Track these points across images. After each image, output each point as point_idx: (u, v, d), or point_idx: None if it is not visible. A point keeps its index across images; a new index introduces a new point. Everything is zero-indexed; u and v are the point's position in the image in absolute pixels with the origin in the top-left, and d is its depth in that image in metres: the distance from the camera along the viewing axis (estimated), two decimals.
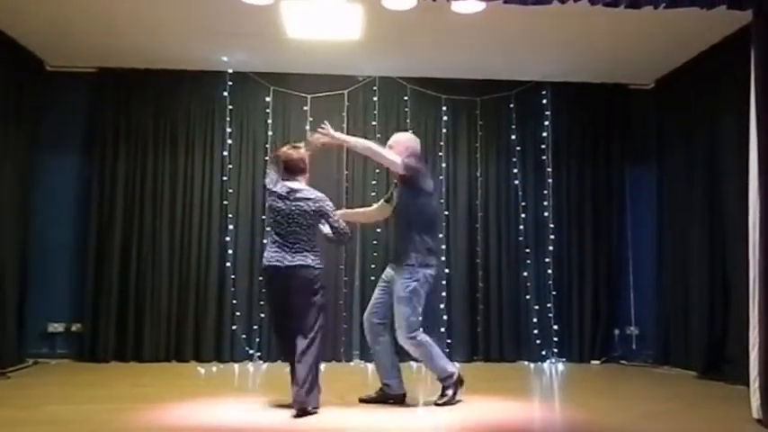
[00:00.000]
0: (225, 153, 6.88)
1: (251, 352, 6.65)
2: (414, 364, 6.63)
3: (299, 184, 4.34)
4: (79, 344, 6.60)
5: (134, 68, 6.81)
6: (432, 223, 4.54)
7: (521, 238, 7.06)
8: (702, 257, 6.14)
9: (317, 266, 4.27)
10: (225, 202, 6.84)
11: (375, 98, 7.04)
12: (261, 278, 4.36)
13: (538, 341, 6.89)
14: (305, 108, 6.91)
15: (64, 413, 4.24)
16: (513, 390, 5.37)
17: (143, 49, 6.38)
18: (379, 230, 6.73)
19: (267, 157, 4.57)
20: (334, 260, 6.81)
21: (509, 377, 6.16)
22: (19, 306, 6.20)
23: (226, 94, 6.90)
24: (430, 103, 7.12)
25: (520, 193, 7.11)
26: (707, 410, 4.59)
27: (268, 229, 4.47)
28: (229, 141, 6.89)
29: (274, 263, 4.22)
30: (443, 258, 6.91)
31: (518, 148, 7.15)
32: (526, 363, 6.82)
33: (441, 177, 7.03)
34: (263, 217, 6.62)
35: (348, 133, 6.72)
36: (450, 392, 4.46)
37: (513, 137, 7.15)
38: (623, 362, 6.92)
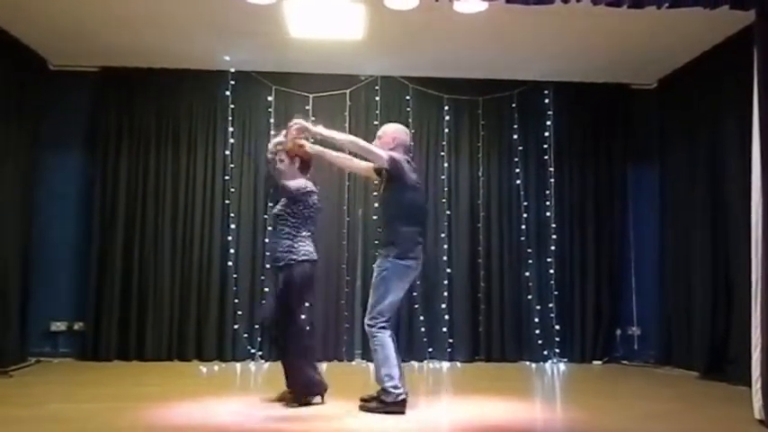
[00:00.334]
0: (227, 152, 6.89)
1: (253, 351, 6.65)
2: (415, 363, 6.67)
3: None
4: (82, 343, 6.60)
5: (137, 68, 6.82)
6: (412, 215, 4.40)
7: (522, 238, 7.05)
8: (705, 257, 6.13)
9: None
10: (227, 202, 6.84)
11: (377, 98, 7.03)
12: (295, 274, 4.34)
13: (539, 341, 6.88)
14: (307, 107, 6.90)
15: (66, 412, 4.24)
16: (515, 390, 5.37)
17: (146, 48, 6.39)
18: (380, 230, 6.71)
19: (278, 157, 4.53)
20: (336, 259, 6.83)
21: (510, 377, 6.16)
22: (21, 305, 6.21)
23: (228, 93, 6.91)
24: (432, 103, 7.12)
25: (522, 192, 7.11)
26: (709, 411, 4.59)
27: (310, 227, 4.52)
28: (231, 140, 6.89)
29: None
30: (445, 258, 6.93)
31: (520, 148, 7.15)
32: (528, 363, 6.81)
33: (443, 177, 7.05)
34: (265, 216, 6.64)
35: (350, 133, 6.74)
36: (376, 405, 4.25)
37: (516, 136, 7.15)
38: (625, 362, 6.91)
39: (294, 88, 6.97)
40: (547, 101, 7.16)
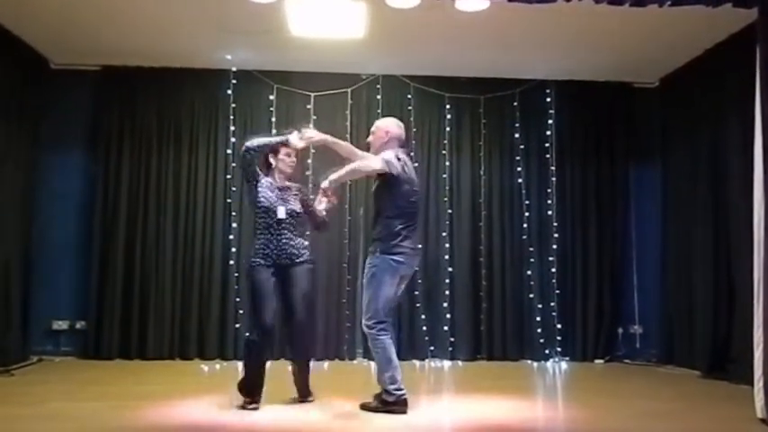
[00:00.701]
0: (228, 151, 6.88)
1: None
2: (416, 362, 6.66)
3: None
4: (83, 341, 6.61)
5: (138, 66, 6.81)
6: (401, 209, 4.32)
7: (524, 237, 7.05)
8: (707, 256, 6.12)
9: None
10: (228, 200, 6.84)
11: (378, 96, 7.03)
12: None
13: (541, 340, 6.88)
14: (308, 106, 6.91)
15: (68, 410, 4.24)
16: (517, 389, 5.36)
17: (147, 47, 6.38)
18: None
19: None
20: (338, 258, 6.83)
21: (512, 376, 6.16)
22: (23, 304, 6.21)
23: (229, 92, 6.91)
24: (433, 102, 7.11)
25: (523, 191, 7.10)
26: (711, 410, 4.58)
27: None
28: (233, 139, 6.89)
29: None
30: (447, 257, 6.93)
31: (522, 147, 7.14)
32: (529, 361, 6.81)
33: (444, 176, 7.05)
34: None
35: (350, 133, 6.74)
36: (377, 405, 4.23)
37: (517, 135, 7.14)
38: (627, 361, 6.90)
39: (296, 87, 6.96)
40: (548, 99, 7.15)
